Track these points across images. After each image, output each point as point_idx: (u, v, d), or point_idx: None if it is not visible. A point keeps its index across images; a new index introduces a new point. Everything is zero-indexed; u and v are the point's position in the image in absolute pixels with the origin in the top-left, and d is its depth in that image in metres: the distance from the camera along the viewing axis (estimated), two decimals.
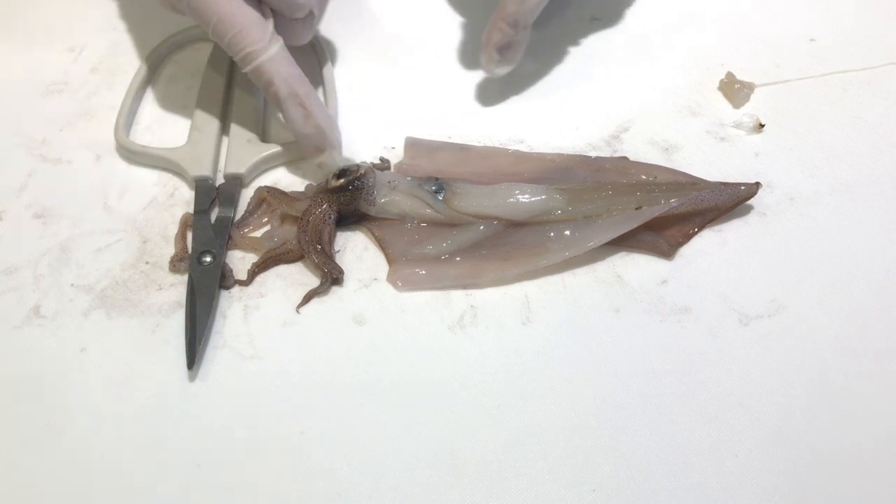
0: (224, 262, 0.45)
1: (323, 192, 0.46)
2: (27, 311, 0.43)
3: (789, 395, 0.40)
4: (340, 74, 0.54)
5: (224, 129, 0.50)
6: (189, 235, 0.46)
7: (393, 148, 0.50)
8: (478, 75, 0.54)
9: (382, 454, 0.39)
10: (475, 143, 0.50)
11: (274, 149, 0.49)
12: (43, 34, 0.56)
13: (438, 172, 0.48)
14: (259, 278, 0.45)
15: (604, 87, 0.53)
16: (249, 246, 0.46)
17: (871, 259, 0.45)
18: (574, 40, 0.56)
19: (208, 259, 0.44)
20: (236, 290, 0.44)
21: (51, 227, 0.47)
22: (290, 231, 0.46)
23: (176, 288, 0.44)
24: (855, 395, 0.40)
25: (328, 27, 0.56)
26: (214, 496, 0.38)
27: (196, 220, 0.46)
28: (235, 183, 0.48)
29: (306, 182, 0.49)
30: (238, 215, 0.47)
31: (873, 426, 0.40)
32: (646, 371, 0.41)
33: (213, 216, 0.46)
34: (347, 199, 0.45)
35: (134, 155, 0.49)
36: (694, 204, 0.46)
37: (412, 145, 0.50)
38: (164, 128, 0.51)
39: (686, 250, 0.46)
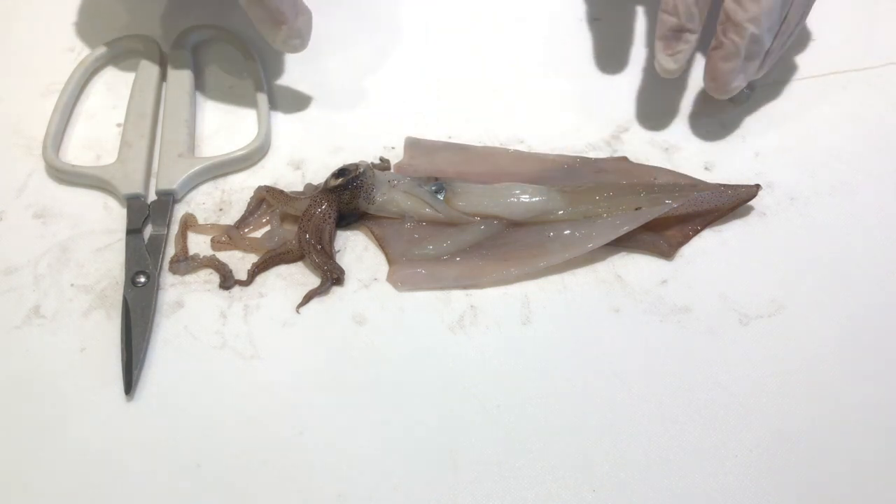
0: (223, 263, 0.45)
1: (322, 191, 0.46)
2: (27, 311, 0.43)
3: (789, 395, 0.40)
4: (341, 74, 0.54)
5: (154, 144, 0.49)
6: (189, 235, 0.46)
7: (393, 148, 0.50)
8: (478, 75, 0.54)
9: (382, 454, 0.39)
10: (475, 143, 0.50)
11: (205, 163, 0.48)
12: (43, 34, 0.56)
13: (438, 172, 0.48)
14: (259, 278, 0.45)
15: (604, 87, 0.53)
16: (249, 246, 0.46)
17: (871, 259, 0.45)
18: (574, 40, 0.56)
19: (143, 280, 0.43)
20: (236, 290, 0.44)
21: (51, 227, 0.47)
22: (290, 231, 0.46)
23: (175, 288, 0.44)
24: (855, 396, 0.41)
25: (327, 26, 0.56)
26: (214, 496, 0.38)
27: (129, 240, 0.45)
28: (167, 200, 0.47)
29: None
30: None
31: (873, 426, 0.40)
32: (646, 371, 0.41)
33: (147, 234, 0.46)
34: (347, 198, 0.45)
35: (63, 174, 0.48)
36: (694, 205, 0.46)
37: (412, 145, 0.50)
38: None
39: (686, 250, 0.46)
